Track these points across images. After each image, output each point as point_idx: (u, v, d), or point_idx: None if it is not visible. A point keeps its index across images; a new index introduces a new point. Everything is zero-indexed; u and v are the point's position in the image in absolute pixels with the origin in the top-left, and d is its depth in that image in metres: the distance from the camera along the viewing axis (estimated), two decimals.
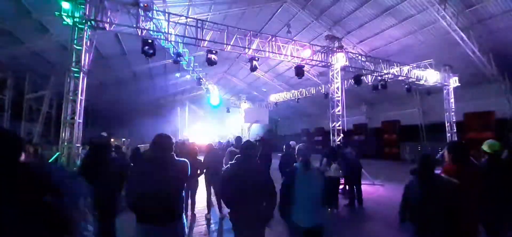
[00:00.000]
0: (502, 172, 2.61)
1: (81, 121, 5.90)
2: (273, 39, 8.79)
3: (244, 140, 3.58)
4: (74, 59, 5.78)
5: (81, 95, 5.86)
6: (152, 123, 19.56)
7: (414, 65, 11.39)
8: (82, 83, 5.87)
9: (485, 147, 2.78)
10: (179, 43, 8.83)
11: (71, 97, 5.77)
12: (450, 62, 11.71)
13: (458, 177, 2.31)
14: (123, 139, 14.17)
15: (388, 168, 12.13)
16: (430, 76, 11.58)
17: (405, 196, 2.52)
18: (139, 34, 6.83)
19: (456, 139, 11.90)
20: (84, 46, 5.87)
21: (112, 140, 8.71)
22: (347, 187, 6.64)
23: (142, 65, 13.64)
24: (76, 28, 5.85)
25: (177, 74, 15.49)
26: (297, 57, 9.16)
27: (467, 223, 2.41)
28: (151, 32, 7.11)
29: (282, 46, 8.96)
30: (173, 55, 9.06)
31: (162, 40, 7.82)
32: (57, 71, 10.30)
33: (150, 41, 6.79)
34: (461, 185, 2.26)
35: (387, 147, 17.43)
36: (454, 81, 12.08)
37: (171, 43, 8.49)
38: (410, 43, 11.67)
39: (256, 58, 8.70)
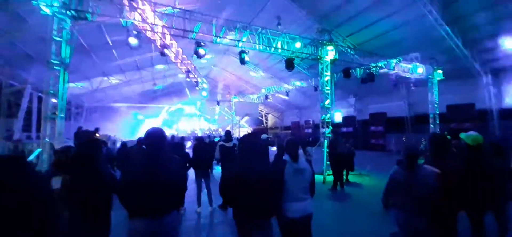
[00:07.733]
0: (482, 163, 2.59)
1: (63, 115, 5.67)
2: (263, 31, 8.69)
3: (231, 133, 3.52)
4: (53, 51, 5.50)
5: (63, 89, 5.62)
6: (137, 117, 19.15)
7: (401, 59, 11.63)
8: (63, 77, 5.62)
9: (468, 140, 2.61)
10: (166, 35, 8.57)
11: (52, 91, 5.52)
12: (435, 56, 12.03)
13: (439, 167, 2.39)
14: (109, 134, 13.78)
15: (374, 159, 12.45)
16: (416, 70, 11.89)
17: (388, 185, 2.60)
18: (124, 25, 6.58)
19: (438, 130, 12.35)
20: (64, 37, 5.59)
21: (97, 135, 8.45)
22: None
23: (127, 57, 13.19)
24: (56, 18, 5.55)
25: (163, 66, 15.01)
26: (287, 50, 9.12)
27: (447, 209, 2.51)
28: (136, 23, 6.86)
29: (272, 39, 8.89)
30: (159, 47, 8.79)
31: (147, 32, 7.56)
32: (37, 64, 9.79)
33: (135, 32, 6.56)
34: (441, 174, 2.34)
35: (374, 138, 17.85)
36: (438, 75, 12.45)
37: (157, 35, 8.23)
38: (397, 37, 11.86)
39: (246, 51, 8.59)
